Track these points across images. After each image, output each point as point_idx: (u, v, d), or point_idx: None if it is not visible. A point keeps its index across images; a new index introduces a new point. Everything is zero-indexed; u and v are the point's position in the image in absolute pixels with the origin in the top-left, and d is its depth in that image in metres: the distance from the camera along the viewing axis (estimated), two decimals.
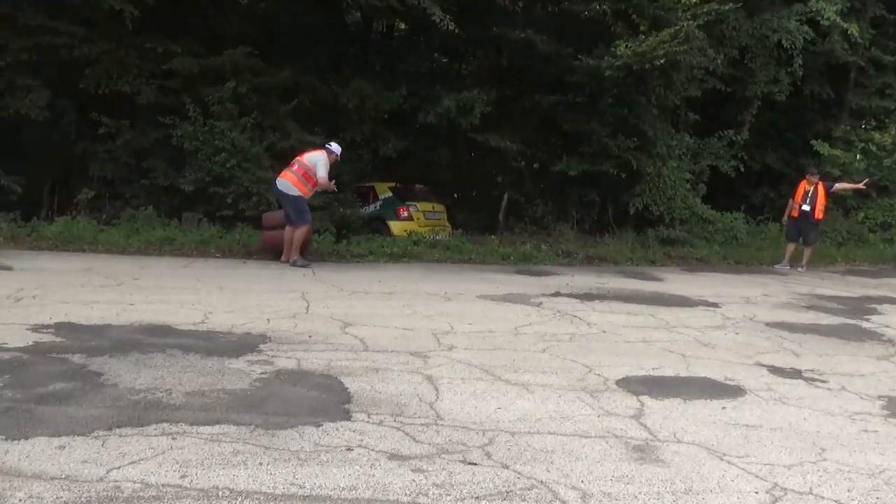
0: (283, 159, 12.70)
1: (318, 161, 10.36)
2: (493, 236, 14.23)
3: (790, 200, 13.51)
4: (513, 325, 7.02)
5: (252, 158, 12.18)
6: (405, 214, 14.28)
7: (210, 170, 12.08)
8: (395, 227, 14.02)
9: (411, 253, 12.18)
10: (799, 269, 13.11)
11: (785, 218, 13.68)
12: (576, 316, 7.71)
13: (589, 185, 15.23)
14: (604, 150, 14.40)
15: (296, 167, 10.43)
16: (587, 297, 9.04)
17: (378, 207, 14.58)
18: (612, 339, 6.71)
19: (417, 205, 14.56)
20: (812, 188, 13.19)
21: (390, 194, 14.64)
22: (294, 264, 10.07)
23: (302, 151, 10.88)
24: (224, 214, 12.26)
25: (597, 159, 14.51)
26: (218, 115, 12.23)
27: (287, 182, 10.33)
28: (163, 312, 6.61)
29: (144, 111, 12.86)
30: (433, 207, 14.92)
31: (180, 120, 12.26)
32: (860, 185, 14.57)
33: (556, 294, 9.10)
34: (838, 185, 14.23)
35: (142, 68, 12.56)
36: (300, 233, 10.27)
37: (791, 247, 13.49)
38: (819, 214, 13.28)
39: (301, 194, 10.29)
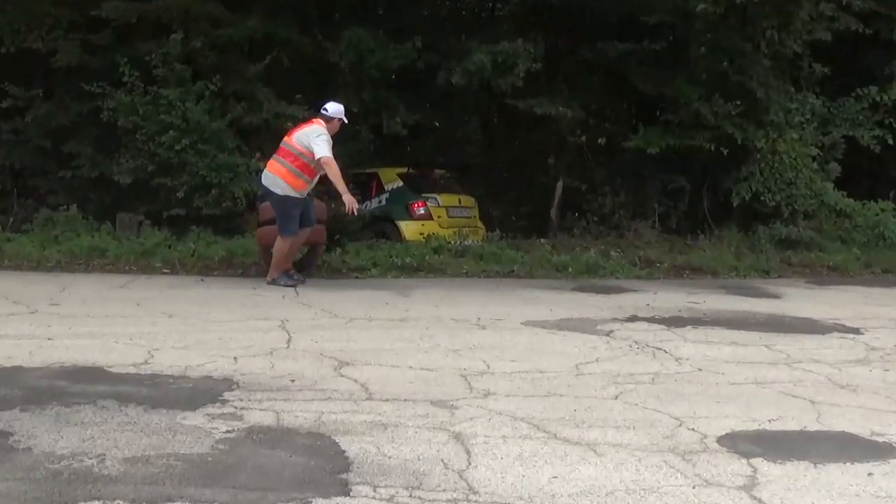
0: (253, 139, 12.83)
1: (310, 136, 10.02)
2: (543, 240, 14.24)
3: None
4: (572, 363, 7.00)
5: (211, 138, 12.29)
6: (421, 211, 14.38)
7: (154, 154, 12.19)
8: (408, 229, 14.14)
9: (430, 265, 12.24)
10: None
11: None
12: (660, 348, 7.67)
13: (676, 167, 15.20)
14: (695, 119, 14.40)
15: (282, 152, 10.26)
16: (676, 321, 9.00)
17: (384, 202, 14.69)
18: (712, 381, 6.66)
19: (438, 198, 14.64)
20: None
21: (400, 184, 14.75)
22: (275, 283, 10.10)
23: (292, 128, 10.79)
24: (174, 214, 12.39)
25: (686, 131, 14.52)
26: (163, 79, 12.35)
27: (271, 175, 10.21)
28: (92, 349, 6.67)
29: (63, 76, 13.02)
30: (460, 201, 14.99)
31: (112, 87, 12.38)
32: None
33: (633, 318, 9.06)
34: None
35: (59, 18, 12.65)
36: (281, 245, 10.17)
37: None
38: None
39: (290, 191, 10.06)
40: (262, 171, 12.59)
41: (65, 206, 12.44)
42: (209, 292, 9.81)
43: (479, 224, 14.95)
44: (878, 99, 16.22)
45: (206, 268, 11.30)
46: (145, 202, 12.62)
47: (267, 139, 13.03)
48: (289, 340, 7.38)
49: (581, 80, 15.51)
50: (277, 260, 10.14)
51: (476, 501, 4.21)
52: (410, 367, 6.65)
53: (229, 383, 5.96)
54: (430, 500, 4.18)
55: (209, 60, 12.75)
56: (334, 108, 10.36)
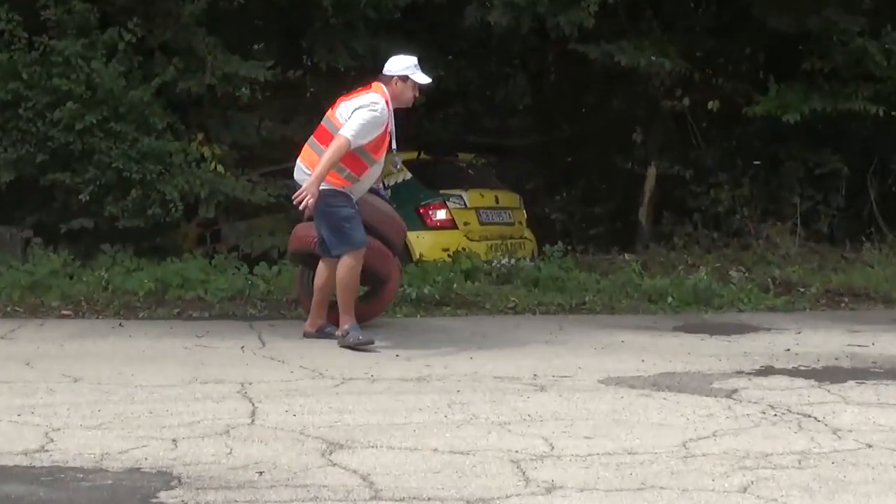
0: (193, 114, 12.89)
1: (357, 108, 9.53)
2: (627, 255, 14.25)
3: None
4: (678, 440, 7.03)
5: (130, 113, 12.33)
6: (439, 216, 14.47)
7: (45, 138, 12.27)
8: (420, 243, 14.21)
9: (460, 296, 12.36)
10: None
11: None
12: (809, 415, 7.69)
13: (827, 142, 15.19)
14: (856, 68, 14.40)
15: (320, 132, 9.93)
16: (831, 374, 9.02)
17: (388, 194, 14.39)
18: (889, 462, 6.68)
19: (465, 196, 14.76)
20: None
21: (408, 176, 14.62)
22: (347, 342, 9.52)
23: (343, 95, 10.22)
24: (76, 228, 12.43)
25: (842, 87, 14.54)
26: (58, 26, 12.45)
27: (303, 167, 9.89)
28: None
29: None
30: (497, 200, 15.12)
31: None
32: None
33: (767, 371, 9.10)
34: None
35: None
36: (345, 272, 9.63)
37: None
38: None
39: (329, 187, 9.58)
40: (204, 160, 12.73)
41: None
42: (132, 343, 9.87)
43: (528, 233, 14.96)
44: None
45: (125, 307, 11.38)
46: (33, 210, 12.66)
47: (212, 115, 13.13)
48: (253, 413, 7.43)
49: (682, 16, 15.49)
50: (345, 300, 9.62)
51: None
52: (435, 451, 6.68)
53: (167, 478, 6.00)
54: None
55: None
56: (398, 64, 9.95)
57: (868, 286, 13.35)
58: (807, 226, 15.10)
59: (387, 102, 9.40)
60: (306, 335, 9.90)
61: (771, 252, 14.36)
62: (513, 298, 12.27)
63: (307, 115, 14.20)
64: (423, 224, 14.28)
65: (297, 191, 9.65)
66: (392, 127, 9.50)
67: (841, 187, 15.42)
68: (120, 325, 10.76)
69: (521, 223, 15.02)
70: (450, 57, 15.12)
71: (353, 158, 9.56)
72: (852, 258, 14.54)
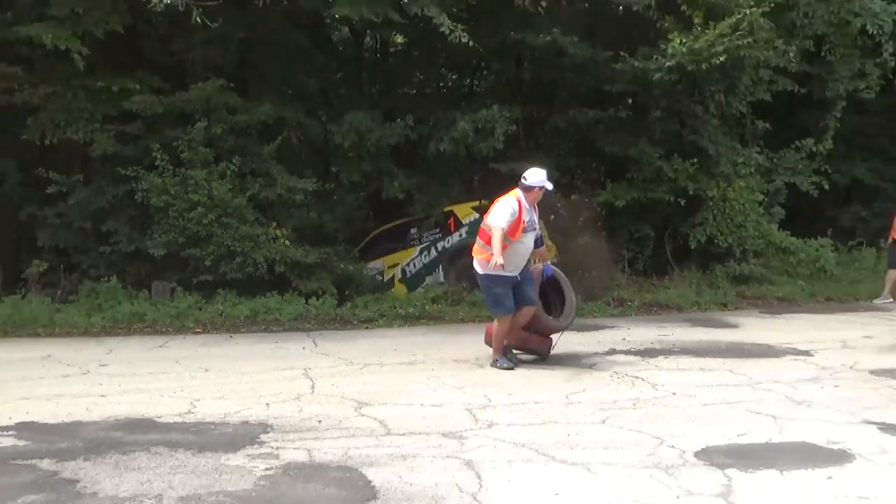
0: (270, 211, 12.87)
1: (498, 204, 8.40)
2: None
3: (894, 219, 13.62)
4: (563, 393, 7.10)
5: (233, 212, 12.26)
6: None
7: (183, 229, 12.19)
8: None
9: (430, 313, 12.24)
10: None
11: (886, 242, 13.70)
12: (638, 377, 7.77)
13: (640, 216, 15.24)
14: (656, 175, 14.43)
15: (479, 231, 8.68)
16: (649, 352, 9.10)
17: (464, 235, 13.59)
18: (685, 403, 6.76)
19: None
20: None
21: (476, 216, 13.33)
22: (495, 366, 8.38)
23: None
24: (202, 280, 12.33)
25: (648, 185, 14.54)
26: (190, 162, 12.38)
27: (476, 257, 8.51)
28: (141, 403, 6.74)
29: (100, 164, 13.00)
30: None
31: (144, 171, 12.38)
32: None
33: (612, 352, 9.17)
34: None
35: (94, 112, 12.59)
36: (496, 328, 8.45)
37: (894, 275, 13.52)
38: None
39: (481, 268, 8.37)
40: (277, 239, 12.72)
41: (106, 278, 12.34)
42: (238, 348, 9.85)
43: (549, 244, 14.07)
44: (813, 149, 16.35)
45: (233, 326, 11.32)
46: (177, 271, 12.54)
47: (281, 211, 13.11)
48: (312, 386, 7.45)
49: (554, 144, 15.45)
50: (496, 344, 8.45)
51: None
52: (421, 405, 6.73)
53: (264, 427, 6.03)
54: None
55: (229, 143, 12.74)
56: (534, 178, 8.47)
57: (668, 300, 13.43)
58: (631, 266, 15.08)
59: (518, 201, 8.27)
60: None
61: (611, 282, 14.24)
62: (461, 314, 12.24)
63: (335, 212, 14.24)
64: None
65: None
66: (529, 216, 8.34)
67: (650, 244, 15.40)
68: (230, 336, 10.74)
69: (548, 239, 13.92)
70: (419, 173, 14.80)
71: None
72: (658, 284, 14.56)
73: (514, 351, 8.66)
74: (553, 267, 9.10)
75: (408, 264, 14.08)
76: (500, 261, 7.79)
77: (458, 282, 13.42)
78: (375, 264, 14.37)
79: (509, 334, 8.47)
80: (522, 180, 8.48)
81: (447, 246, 13.92)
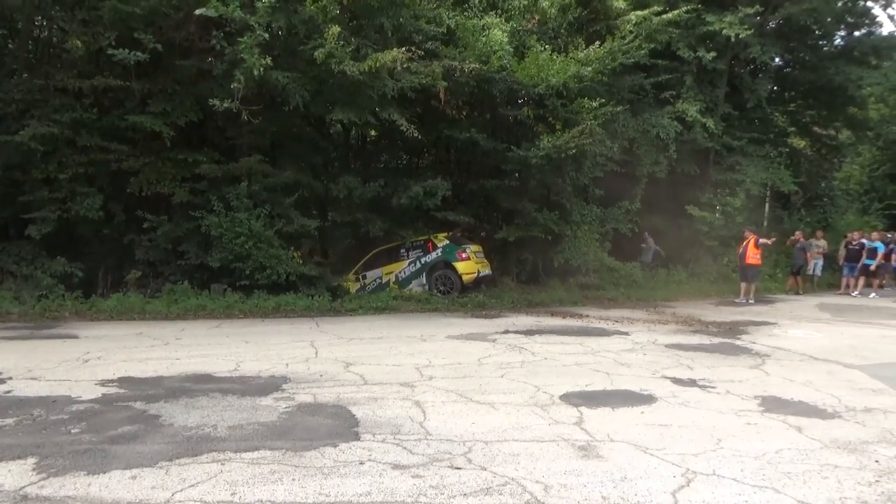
0: (288, 240, 12.66)
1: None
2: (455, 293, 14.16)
3: (745, 248, 14.37)
4: (476, 358, 7.06)
5: (265, 240, 12.02)
6: (464, 256, 13.52)
7: (232, 250, 11.90)
8: (461, 267, 13.29)
9: (391, 306, 12.08)
10: (749, 301, 13.89)
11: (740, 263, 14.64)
12: (523, 348, 7.77)
13: (523, 247, 15.34)
14: (533, 221, 14.54)
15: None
16: (530, 332, 9.13)
17: (439, 254, 13.59)
18: (553, 364, 6.78)
19: (470, 247, 13.80)
20: (745, 242, 14.36)
21: (447, 242, 13.62)
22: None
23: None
24: (243, 284, 12.04)
25: (528, 227, 14.62)
26: (237, 207, 12.12)
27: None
28: (203, 364, 6.51)
29: (179, 208, 12.68)
30: (481, 248, 14.32)
31: (207, 213, 12.08)
32: (769, 241, 15.06)
33: (506, 332, 9.16)
34: (762, 240, 14.65)
35: (176, 175, 12.40)
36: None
37: (743, 285, 14.28)
38: (749, 260, 14.18)
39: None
40: (293, 258, 12.46)
41: (180, 282, 12.05)
42: (267, 328, 9.59)
43: (486, 262, 14.22)
44: (629, 207, 16.66)
45: (264, 314, 11.03)
46: (227, 277, 12.26)
47: (296, 240, 12.90)
48: (316, 353, 7.28)
49: (471, 201, 15.56)
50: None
51: (431, 439, 4.20)
52: (387, 365, 6.61)
53: (285, 379, 5.86)
54: (405, 440, 4.17)
55: (263, 196, 12.50)
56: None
57: (541, 300, 13.48)
58: (517, 278, 15.15)
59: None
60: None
61: (505, 287, 14.32)
62: (411, 307, 12.11)
63: (331, 242, 14.03)
64: (459, 259, 13.34)
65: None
66: None
67: (529, 264, 15.47)
68: (262, 320, 10.46)
69: (483, 258, 14.24)
70: (391, 219, 14.54)
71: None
72: (535, 289, 14.64)
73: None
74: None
75: (400, 272, 13.88)
76: None
77: (434, 285, 13.34)
78: (376, 272, 14.09)
79: None
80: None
81: (427, 261, 13.70)
